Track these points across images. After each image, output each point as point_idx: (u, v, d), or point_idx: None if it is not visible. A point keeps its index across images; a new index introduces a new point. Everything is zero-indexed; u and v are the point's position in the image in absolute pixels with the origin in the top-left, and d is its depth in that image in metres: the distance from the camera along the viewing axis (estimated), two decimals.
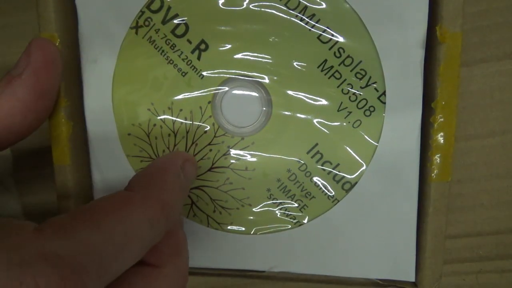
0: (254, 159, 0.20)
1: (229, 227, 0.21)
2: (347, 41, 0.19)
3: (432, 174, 0.19)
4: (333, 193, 0.20)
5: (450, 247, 0.23)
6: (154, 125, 0.20)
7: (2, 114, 0.16)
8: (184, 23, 0.19)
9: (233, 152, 0.20)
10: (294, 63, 0.19)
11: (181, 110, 0.20)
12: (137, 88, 0.20)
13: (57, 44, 0.18)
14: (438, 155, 0.19)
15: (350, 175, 0.20)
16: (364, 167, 0.19)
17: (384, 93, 0.19)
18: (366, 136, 0.19)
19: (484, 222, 0.23)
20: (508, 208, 0.22)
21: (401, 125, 0.19)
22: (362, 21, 0.18)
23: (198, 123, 0.20)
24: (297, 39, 0.19)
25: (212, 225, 0.21)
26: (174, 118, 0.20)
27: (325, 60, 0.19)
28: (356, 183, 0.20)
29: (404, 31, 0.18)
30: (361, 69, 0.19)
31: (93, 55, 0.19)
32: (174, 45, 0.19)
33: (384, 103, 0.19)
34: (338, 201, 0.20)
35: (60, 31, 0.18)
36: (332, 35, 0.19)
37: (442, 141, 0.18)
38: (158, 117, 0.20)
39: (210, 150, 0.20)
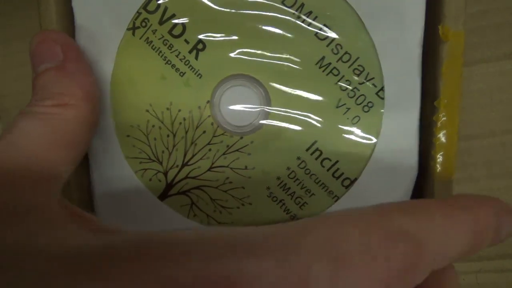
0: (253, 158, 0.20)
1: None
2: (344, 38, 0.19)
3: (436, 172, 0.19)
4: (333, 190, 0.20)
5: None
6: (153, 126, 0.20)
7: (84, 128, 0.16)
8: (181, 23, 0.19)
9: (232, 151, 0.20)
10: (292, 61, 0.19)
11: (179, 110, 0.20)
12: (135, 90, 0.20)
13: None
14: (441, 153, 0.19)
15: (349, 172, 0.20)
16: (364, 164, 0.19)
17: (382, 89, 0.19)
18: (365, 133, 0.19)
19: None
20: None
21: (400, 121, 0.19)
22: (359, 18, 0.19)
23: (197, 123, 0.20)
24: (295, 37, 0.19)
25: (212, 224, 0.21)
26: (173, 119, 0.20)
27: (323, 57, 0.19)
28: (356, 179, 0.20)
29: (402, 27, 0.18)
30: (359, 65, 0.19)
31: (90, 57, 0.19)
32: (171, 46, 0.19)
33: (383, 98, 0.19)
34: (338, 198, 0.20)
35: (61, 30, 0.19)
36: (329, 32, 0.19)
37: (445, 139, 0.18)
38: (157, 118, 0.20)
39: (210, 149, 0.20)
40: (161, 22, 0.19)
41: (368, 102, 0.19)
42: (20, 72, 0.25)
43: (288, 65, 0.19)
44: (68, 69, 0.16)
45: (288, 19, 0.19)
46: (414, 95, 0.19)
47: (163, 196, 0.20)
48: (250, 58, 0.19)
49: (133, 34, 0.19)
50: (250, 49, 0.19)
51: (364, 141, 0.19)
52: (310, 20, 0.19)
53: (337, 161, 0.20)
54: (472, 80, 0.22)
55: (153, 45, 0.19)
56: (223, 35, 0.19)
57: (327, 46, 0.19)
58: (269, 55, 0.19)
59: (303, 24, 0.19)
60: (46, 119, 0.15)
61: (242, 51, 0.19)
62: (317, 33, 0.19)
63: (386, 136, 0.19)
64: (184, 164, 0.20)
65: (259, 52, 0.19)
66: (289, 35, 0.19)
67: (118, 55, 0.19)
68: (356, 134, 0.19)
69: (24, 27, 0.24)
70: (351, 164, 0.19)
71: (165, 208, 0.20)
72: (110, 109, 0.20)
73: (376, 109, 0.19)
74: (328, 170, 0.20)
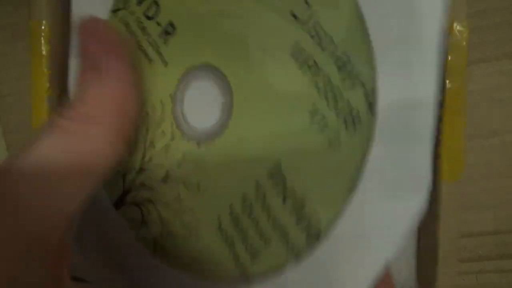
0: (208, 174, 0.16)
1: (173, 262, 0.17)
2: (329, 19, 0.14)
3: (443, 173, 0.15)
4: (294, 243, 0.14)
5: None
6: None
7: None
8: (154, 1, 0.17)
9: (187, 160, 0.16)
10: (262, 49, 0.15)
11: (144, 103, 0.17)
12: None
13: (45, 31, 0.18)
14: (448, 153, 0.14)
15: (320, 218, 0.14)
16: (341, 208, 0.13)
17: (373, 103, 0.13)
18: (346, 160, 0.13)
19: (484, 222, 0.22)
20: (508, 208, 0.22)
21: (398, 153, 0.13)
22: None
23: (158, 121, 0.17)
24: (269, 18, 0.14)
25: (158, 253, 0.17)
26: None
27: (297, 42, 0.14)
28: (328, 230, 0.14)
29: (413, 15, 0.13)
30: (342, 53, 0.13)
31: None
32: (144, 28, 0.17)
33: (374, 113, 0.13)
34: (298, 256, 0.14)
35: (51, 19, 0.18)
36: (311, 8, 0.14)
37: (452, 139, 0.14)
38: None
39: (166, 156, 0.16)
40: (139, 2, 0.17)
41: (354, 117, 0.13)
42: (20, 72, 0.25)
43: (256, 56, 0.15)
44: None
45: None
46: (426, 115, 0.13)
47: (118, 203, 0.17)
48: (220, 47, 0.16)
49: (115, 15, 0.17)
50: (222, 38, 0.16)
51: (344, 173, 0.13)
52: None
53: (304, 198, 0.14)
54: (472, 79, 0.22)
55: (130, 27, 0.17)
56: (195, 20, 0.16)
57: (303, 28, 0.14)
58: (239, 45, 0.15)
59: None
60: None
61: (213, 38, 0.16)
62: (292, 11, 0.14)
63: (376, 170, 0.13)
64: (141, 169, 0.17)
65: (229, 42, 0.15)
66: (262, 19, 0.15)
67: None
68: (333, 161, 0.14)
69: (24, 27, 0.24)
70: (324, 206, 0.14)
71: (118, 218, 0.17)
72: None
73: (364, 128, 0.13)
74: (291, 211, 0.14)
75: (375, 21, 0.13)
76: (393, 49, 0.13)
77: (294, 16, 0.14)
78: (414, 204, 0.13)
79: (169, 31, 0.16)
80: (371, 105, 0.13)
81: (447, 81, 0.14)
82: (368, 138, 0.13)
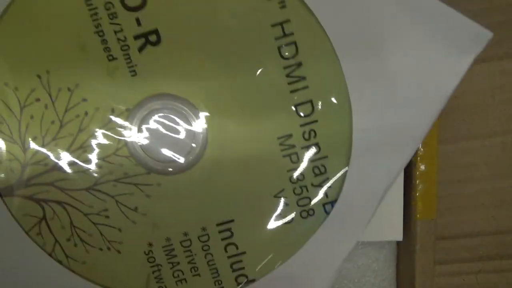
0: (151, 203, 0.15)
1: (76, 266, 0.16)
2: (324, 128, 0.15)
3: (417, 213, 0.17)
4: (223, 282, 0.16)
5: (450, 247, 0.23)
6: (37, 99, 0.14)
7: None
8: None
9: (128, 182, 0.15)
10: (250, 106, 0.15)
11: (84, 99, 0.15)
12: (35, 37, 0.14)
13: None
14: (422, 195, 0.17)
15: (251, 270, 0.16)
16: (274, 270, 0.16)
17: (333, 203, 0.16)
18: (289, 239, 0.16)
19: (484, 222, 0.22)
20: (508, 208, 0.22)
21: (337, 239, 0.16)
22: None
23: (100, 126, 0.15)
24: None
25: (57, 254, 0.16)
26: (70, 105, 0.15)
27: (290, 135, 0.15)
28: (253, 280, 0.16)
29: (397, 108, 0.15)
30: (322, 165, 0.15)
31: None
32: (114, 15, 0.14)
33: (328, 213, 0.16)
34: None
35: None
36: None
37: (426, 183, 0.17)
38: (48, 93, 0.15)
39: (100, 167, 0.15)
40: None
41: (310, 209, 0.16)
42: None
43: (240, 107, 0.15)
44: None
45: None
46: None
47: (7, 191, 0.15)
48: (202, 79, 0.15)
49: None
50: (208, 63, 0.15)
51: (285, 246, 0.16)
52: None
53: (243, 252, 0.16)
54: (473, 79, 0.22)
55: (91, 0, 0.14)
56: (186, 37, 0.15)
57: (301, 125, 0.15)
58: (222, 77, 0.15)
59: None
60: None
61: (199, 65, 0.15)
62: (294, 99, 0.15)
63: (306, 254, 0.16)
64: (55, 168, 0.15)
65: (214, 71, 0.15)
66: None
67: None
68: (279, 235, 0.16)
69: None
70: (257, 262, 0.16)
71: (2, 208, 0.15)
72: None
73: (314, 220, 0.16)
74: (229, 257, 0.16)
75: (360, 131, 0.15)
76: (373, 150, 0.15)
77: (297, 111, 0.15)
78: None
79: (151, 40, 0.14)
80: (326, 209, 0.16)
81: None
82: (318, 225, 0.16)
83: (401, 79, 0.15)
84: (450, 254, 0.23)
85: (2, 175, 0.15)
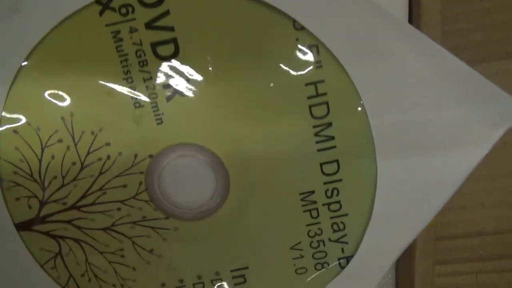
0: (167, 246, 0.16)
1: None
2: (347, 190, 0.15)
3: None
4: None
5: (450, 247, 0.23)
6: (60, 140, 0.14)
7: None
8: (174, 42, 0.14)
9: (146, 225, 0.15)
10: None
11: (108, 144, 0.14)
12: (62, 69, 0.14)
13: None
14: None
15: None
16: None
17: (349, 259, 0.16)
18: (301, 287, 0.16)
19: (484, 222, 0.23)
20: (508, 208, 0.22)
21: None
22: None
23: (121, 172, 0.15)
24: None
25: None
26: (92, 148, 0.15)
27: (312, 192, 0.15)
28: None
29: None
30: (341, 222, 0.16)
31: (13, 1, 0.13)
32: (145, 63, 0.14)
33: (343, 268, 0.16)
34: None
35: None
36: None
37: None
38: (71, 135, 0.14)
39: (119, 208, 0.15)
40: (149, 25, 0.13)
41: (324, 263, 0.16)
42: None
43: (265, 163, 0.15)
44: None
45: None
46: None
47: (24, 225, 0.15)
48: (228, 134, 0.15)
49: (101, 13, 0.13)
50: (234, 121, 0.14)
51: None
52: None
53: None
54: None
55: (122, 46, 0.13)
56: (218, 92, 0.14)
57: (324, 183, 0.15)
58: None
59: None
60: None
61: (226, 120, 0.14)
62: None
63: None
64: (74, 206, 0.15)
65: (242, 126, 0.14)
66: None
67: (64, 23, 0.13)
68: (293, 285, 0.16)
69: None
70: None
71: (18, 241, 0.15)
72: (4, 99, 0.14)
73: (328, 272, 0.16)
74: None
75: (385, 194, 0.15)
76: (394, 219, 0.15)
77: (322, 170, 0.15)
78: None
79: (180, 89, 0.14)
80: (341, 264, 0.16)
81: None
82: (331, 278, 0.16)
83: (430, 147, 0.15)
84: (450, 254, 0.23)
85: (20, 210, 0.15)
